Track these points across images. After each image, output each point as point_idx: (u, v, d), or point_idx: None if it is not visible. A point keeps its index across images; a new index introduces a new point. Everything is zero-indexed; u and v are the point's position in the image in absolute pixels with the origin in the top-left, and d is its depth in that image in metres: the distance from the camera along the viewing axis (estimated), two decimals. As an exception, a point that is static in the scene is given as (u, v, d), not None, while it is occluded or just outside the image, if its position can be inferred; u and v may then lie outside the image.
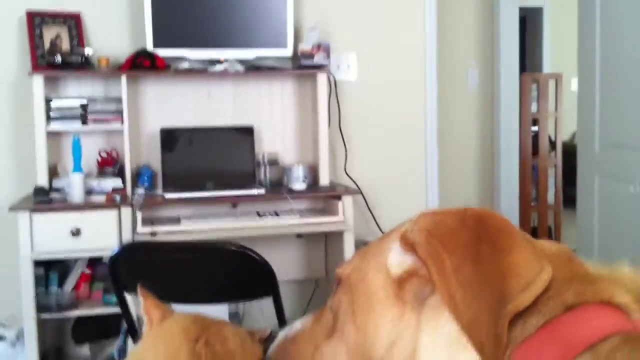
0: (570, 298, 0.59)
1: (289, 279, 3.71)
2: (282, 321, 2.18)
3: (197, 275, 2.11)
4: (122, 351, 2.30)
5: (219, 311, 3.02)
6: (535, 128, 5.61)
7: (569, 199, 5.54)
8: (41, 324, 3.11)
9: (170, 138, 3.47)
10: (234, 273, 2.08)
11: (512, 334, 0.58)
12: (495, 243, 0.63)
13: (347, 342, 0.73)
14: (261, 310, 3.35)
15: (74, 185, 3.07)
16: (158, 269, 2.14)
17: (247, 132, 3.58)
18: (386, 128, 3.90)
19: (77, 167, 3.10)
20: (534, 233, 5.81)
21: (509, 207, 5.56)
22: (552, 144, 5.81)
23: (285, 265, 3.68)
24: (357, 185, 3.70)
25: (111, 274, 2.17)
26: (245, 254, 2.03)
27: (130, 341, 2.31)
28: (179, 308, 2.53)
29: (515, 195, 5.64)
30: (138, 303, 1.18)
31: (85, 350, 3.46)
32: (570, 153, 5.72)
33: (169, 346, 0.97)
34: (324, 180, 3.57)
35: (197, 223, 3.17)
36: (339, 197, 3.31)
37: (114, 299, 3.10)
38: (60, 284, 3.26)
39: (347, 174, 3.78)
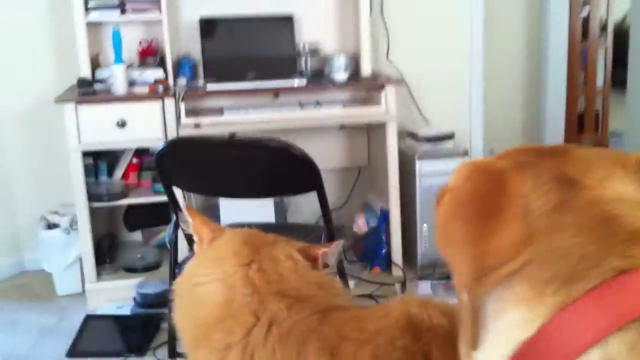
0: (617, 262, 0.58)
1: (332, 167, 3.75)
2: (326, 214, 2.22)
3: (241, 171, 2.15)
4: (172, 241, 2.39)
5: (264, 204, 3.09)
6: (584, 13, 5.39)
7: (618, 83, 5.39)
8: (93, 212, 3.22)
9: (209, 27, 3.43)
10: (278, 169, 2.11)
11: (553, 299, 0.58)
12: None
13: None
14: (305, 201, 3.41)
15: (116, 76, 3.09)
16: (203, 165, 2.18)
17: (287, 21, 3.51)
18: (430, 16, 3.79)
19: (119, 59, 3.11)
20: (581, 119, 5.72)
21: (556, 91, 5.46)
22: (603, 26, 5.59)
23: (328, 154, 3.70)
24: (400, 74, 3.64)
25: (158, 169, 2.23)
26: (289, 150, 2.05)
27: (180, 232, 2.40)
28: (224, 202, 2.59)
29: (562, 80, 5.51)
30: (186, 221, 1.20)
31: (137, 236, 3.60)
32: (621, 34, 5.52)
33: (223, 272, 1.00)
34: (366, 69, 3.52)
35: (239, 114, 3.19)
36: (381, 87, 3.27)
37: (162, 187, 3.20)
38: (110, 173, 3.36)
39: (389, 61, 3.72)
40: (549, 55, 5.33)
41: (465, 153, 3.41)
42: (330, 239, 2.23)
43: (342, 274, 2.32)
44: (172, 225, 2.35)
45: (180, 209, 2.33)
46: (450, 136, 3.52)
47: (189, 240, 2.46)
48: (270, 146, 2.09)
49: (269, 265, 1.02)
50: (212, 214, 3.44)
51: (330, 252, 1.11)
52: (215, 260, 1.04)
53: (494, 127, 4.78)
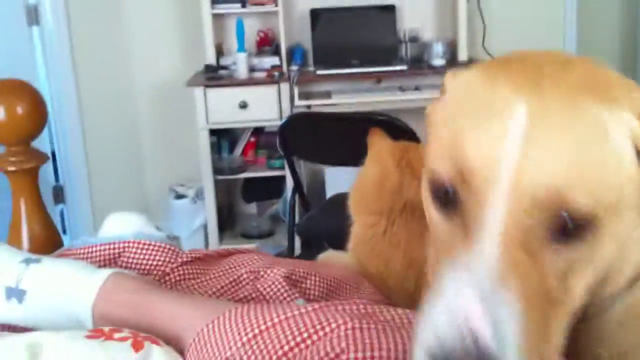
0: None
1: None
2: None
3: (350, 141, 2.48)
4: (291, 204, 2.75)
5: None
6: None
7: None
8: (215, 185, 3.64)
9: (319, 17, 3.78)
10: (384, 139, 2.43)
11: None
12: None
13: None
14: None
15: (239, 63, 3.49)
16: (318, 136, 2.53)
17: (389, 10, 3.82)
18: (525, 3, 4.01)
19: (241, 48, 3.51)
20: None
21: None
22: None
23: (425, 134, 3.99)
24: (491, 57, 3.88)
25: (280, 139, 2.59)
26: (392, 122, 2.37)
27: (297, 199, 2.76)
28: (329, 173, 2.88)
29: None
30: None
31: (252, 207, 4.01)
32: None
33: (382, 165, 1.34)
34: (462, 55, 3.78)
35: (345, 97, 3.52)
36: (477, 72, 3.52)
37: (277, 163, 3.59)
38: (230, 150, 3.78)
39: (485, 49, 3.96)
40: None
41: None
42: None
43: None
44: (285, 193, 2.71)
45: (298, 178, 2.69)
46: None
47: (305, 203, 2.82)
48: (377, 119, 2.40)
49: (415, 159, 1.34)
50: (318, 185, 3.81)
51: None
52: (375, 159, 1.38)
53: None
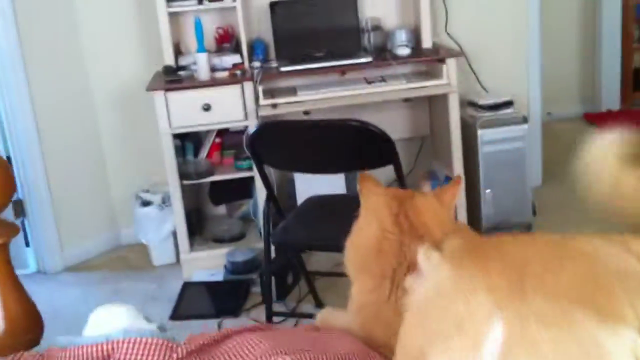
0: None
1: (397, 137, 3.97)
2: (402, 182, 2.47)
3: (324, 149, 2.42)
4: (266, 213, 2.68)
5: (336, 177, 3.37)
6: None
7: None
8: (182, 189, 3.54)
9: (278, 9, 3.67)
10: (358, 146, 2.36)
11: None
12: None
13: None
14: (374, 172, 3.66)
15: (200, 64, 3.38)
16: (290, 145, 2.46)
17: None
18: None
19: (201, 48, 3.39)
20: (637, 75, 5.79)
21: (611, 48, 5.55)
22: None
23: (392, 125, 3.93)
24: (459, 46, 3.83)
25: (250, 149, 2.51)
26: (367, 128, 2.31)
27: (264, 203, 2.69)
28: (299, 177, 2.80)
29: (617, 37, 5.59)
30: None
31: (222, 209, 3.92)
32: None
33: (379, 223, 1.28)
34: (427, 42, 3.73)
35: (311, 93, 3.43)
36: (442, 61, 3.48)
37: (244, 164, 3.50)
38: (195, 153, 3.67)
39: (448, 34, 3.91)
40: (603, 13, 5.44)
41: (525, 120, 3.60)
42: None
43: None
44: (265, 199, 2.63)
45: (271, 185, 2.62)
46: (509, 103, 3.70)
47: (278, 211, 2.75)
48: (351, 125, 2.34)
49: (413, 214, 1.27)
50: (288, 186, 3.74)
51: (457, 193, 1.37)
52: (372, 211, 1.31)
53: (550, 90, 4.92)
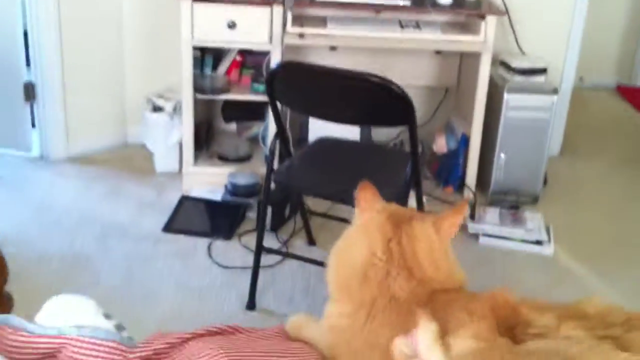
0: None
1: (420, 84, 3.88)
2: (414, 147, 2.40)
3: (341, 99, 2.34)
4: (272, 151, 2.63)
5: (351, 131, 3.29)
6: None
7: None
8: (195, 101, 3.47)
9: None
10: (377, 103, 2.28)
11: None
12: None
13: None
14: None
15: (232, -22, 3.24)
16: (309, 89, 2.37)
17: None
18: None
19: (236, -39, 3.24)
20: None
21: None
22: None
23: (418, 71, 3.83)
24: (503, 3, 3.66)
25: (267, 85, 2.43)
26: (389, 87, 2.22)
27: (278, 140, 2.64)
28: (319, 124, 2.75)
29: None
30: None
31: (232, 127, 3.86)
32: None
33: (369, 245, 1.22)
34: (470, -8, 3.56)
35: (341, 28, 3.31)
36: (482, 17, 3.33)
37: (261, 87, 3.42)
38: (214, 67, 3.58)
39: (494, -14, 3.73)
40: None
41: (555, 91, 3.47)
42: (415, 170, 2.43)
43: (418, 186, 2.53)
44: (274, 136, 2.57)
45: (282, 125, 2.56)
46: (542, 70, 3.57)
47: (286, 149, 2.70)
48: (372, 81, 2.24)
49: (407, 241, 1.21)
50: (302, 127, 3.67)
51: (458, 223, 1.30)
52: (364, 232, 1.25)
53: (587, 56, 4.74)
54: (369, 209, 1.29)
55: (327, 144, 2.81)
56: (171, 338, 1.14)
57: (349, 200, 2.47)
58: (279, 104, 2.50)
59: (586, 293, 2.88)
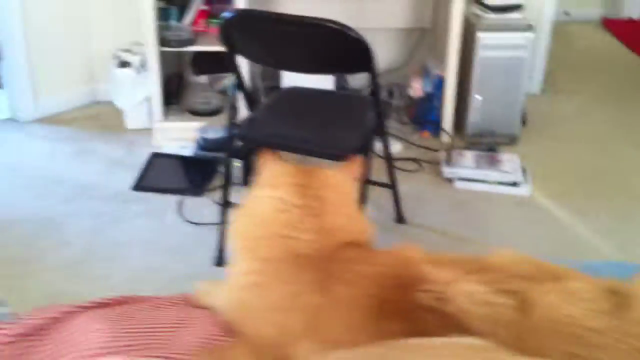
0: None
1: (395, 27, 3.78)
2: (376, 93, 2.33)
3: (298, 47, 2.25)
4: (232, 103, 2.56)
5: (325, 79, 3.19)
6: None
7: None
8: (162, 54, 3.38)
9: None
10: (334, 49, 2.20)
11: None
12: None
13: None
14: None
15: None
16: (265, 37, 2.29)
17: None
18: None
19: None
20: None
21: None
22: None
23: (392, 12, 3.73)
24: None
25: (223, 35, 2.34)
26: (346, 33, 2.13)
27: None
28: (293, 74, 2.65)
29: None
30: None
31: (203, 79, 3.77)
32: None
33: (277, 188, 1.14)
34: None
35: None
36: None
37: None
38: (179, 18, 3.47)
39: None
40: None
41: (530, 28, 3.37)
42: (379, 116, 2.37)
43: (382, 132, 2.47)
44: (234, 88, 2.50)
45: (240, 73, 2.48)
46: (517, 7, 3.46)
47: (250, 101, 2.63)
48: (328, 26, 2.15)
49: (318, 186, 1.13)
50: (275, 78, 3.58)
51: (358, 171, 1.24)
52: (271, 181, 1.17)
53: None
54: (274, 164, 1.21)
55: (293, 95, 2.74)
56: (53, 312, 1.08)
57: (312, 151, 2.43)
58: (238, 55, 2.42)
59: (562, 232, 2.86)
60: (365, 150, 2.39)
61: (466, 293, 0.95)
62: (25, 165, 3.31)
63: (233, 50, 2.37)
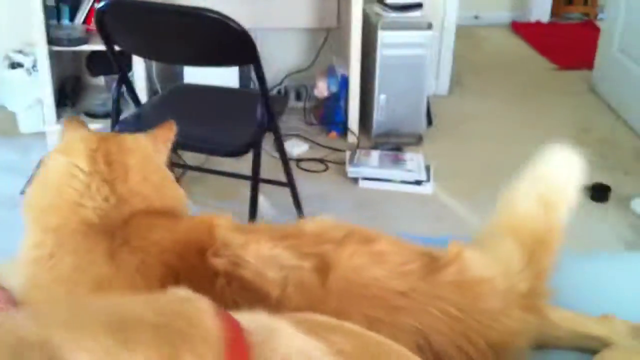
0: None
1: (301, 27, 3.74)
2: (262, 86, 2.27)
3: (178, 37, 2.17)
4: (115, 98, 2.45)
5: (230, 76, 3.12)
6: None
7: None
8: (58, 54, 3.24)
9: None
10: (214, 40, 2.13)
11: None
12: None
13: None
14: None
15: None
16: (142, 27, 2.20)
17: None
18: None
19: None
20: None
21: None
22: None
23: (298, 12, 3.68)
24: None
25: (98, 25, 2.24)
26: (225, 22, 2.06)
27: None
28: (194, 71, 2.54)
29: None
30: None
31: (100, 80, 3.65)
32: None
33: (70, 153, 1.05)
34: None
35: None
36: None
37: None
38: (71, 18, 3.34)
39: None
40: None
41: (430, 26, 3.37)
42: (268, 111, 2.30)
43: (274, 129, 2.41)
44: (116, 82, 2.40)
45: (123, 68, 2.38)
46: (418, 5, 3.47)
47: (133, 97, 2.53)
48: (208, 16, 2.09)
49: (115, 150, 1.05)
50: (176, 77, 3.48)
51: (171, 137, 1.17)
52: (66, 146, 1.08)
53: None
54: (72, 131, 1.13)
55: (184, 90, 2.65)
56: None
57: (196, 147, 2.35)
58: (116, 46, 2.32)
59: (464, 228, 2.84)
60: (254, 146, 2.32)
61: (260, 256, 0.90)
62: None
63: (110, 42, 2.28)
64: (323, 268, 0.88)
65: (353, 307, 0.85)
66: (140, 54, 2.46)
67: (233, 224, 1.00)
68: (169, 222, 1.01)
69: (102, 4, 2.17)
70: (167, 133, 1.16)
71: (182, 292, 0.66)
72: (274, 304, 0.84)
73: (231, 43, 2.13)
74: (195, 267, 0.93)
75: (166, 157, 1.15)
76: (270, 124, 2.37)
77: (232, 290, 0.89)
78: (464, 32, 4.04)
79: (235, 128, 2.36)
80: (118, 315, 0.57)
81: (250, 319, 0.64)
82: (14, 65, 3.37)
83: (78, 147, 1.05)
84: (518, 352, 0.95)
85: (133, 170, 1.05)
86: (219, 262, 0.92)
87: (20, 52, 3.42)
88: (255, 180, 2.35)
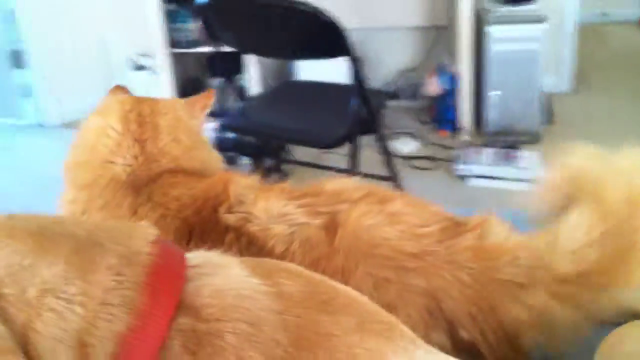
0: None
1: (412, 25, 3.72)
2: (359, 80, 2.28)
3: (273, 30, 2.22)
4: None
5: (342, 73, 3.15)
6: None
7: None
8: (177, 57, 3.42)
9: None
10: (308, 33, 2.16)
11: None
12: None
13: None
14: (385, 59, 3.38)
15: None
16: (238, 23, 2.27)
17: None
18: None
19: None
20: None
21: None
22: None
23: (409, 10, 3.67)
24: None
25: (202, 19, 2.33)
26: (314, 14, 2.08)
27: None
28: (308, 66, 2.60)
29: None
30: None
31: (219, 81, 3.79)
32: None
33: (105, 113, 1.10)
34: None
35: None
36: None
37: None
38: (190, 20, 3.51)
39: None
40: None
41: (543, 19, 3.25)
42: (367, 106, 2.31)
43: (374, 122, 2.41)
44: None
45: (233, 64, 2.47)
46: (531, -1, 3.35)
47: (240, 94, 2.62)
48: (299, 10, 2.11)
49: (148, 112, 1.09)
50: (289, 75, 3.55)
51: (209, 105, 1.19)
52: (103, 108, 1.13)
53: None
54: (112, 95, 1.17)
55: (288, 87, 2.72)
56: None
57: (296, 140, 2.40)
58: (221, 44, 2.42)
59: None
60: (350, 139, 2.34)
61: (269, 212, 0.91)
62: (51, 169, 3.39)
63: (216, 38, 2.37)
64: (332, 226, 0.87)
65: (360, 266, 0.84)
66: (238, 48, 2.53)
67: (250, 181, 1.01)
68: (191, 180, 1.04)
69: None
70: (205, 100, 1.19)
71: (145, 225, 0.68)
72: (278, 259, 0.85)
73: (321, 35, 2.14)
74: (209, 222, 0.95)
75: (202, 122, 1.18)
76: (370, 118, 2.38)
77: (241, 245, 0.91)
78: (589, 29, 3.85)
79: (332, 121, 2.39)
80: (51, 229, 0.61)
81: (201, 255, 0.66)
82: (138, 68, 3.57)
83: (113, 108, 1.10)
84: (531, 342, 0.85)
85: (164, 131, 1.08)
86: (230, 218, 0.94)
87: (145, 55, 3.63)
88: (352, 173, 2.36)
